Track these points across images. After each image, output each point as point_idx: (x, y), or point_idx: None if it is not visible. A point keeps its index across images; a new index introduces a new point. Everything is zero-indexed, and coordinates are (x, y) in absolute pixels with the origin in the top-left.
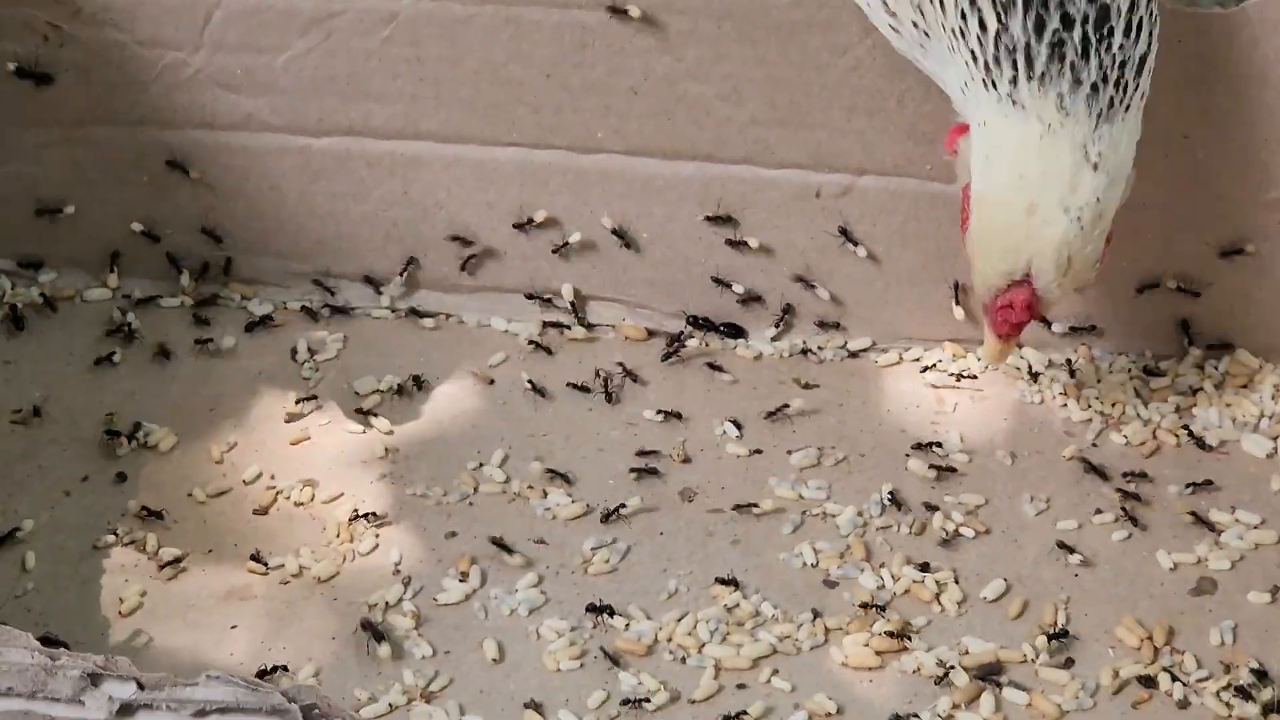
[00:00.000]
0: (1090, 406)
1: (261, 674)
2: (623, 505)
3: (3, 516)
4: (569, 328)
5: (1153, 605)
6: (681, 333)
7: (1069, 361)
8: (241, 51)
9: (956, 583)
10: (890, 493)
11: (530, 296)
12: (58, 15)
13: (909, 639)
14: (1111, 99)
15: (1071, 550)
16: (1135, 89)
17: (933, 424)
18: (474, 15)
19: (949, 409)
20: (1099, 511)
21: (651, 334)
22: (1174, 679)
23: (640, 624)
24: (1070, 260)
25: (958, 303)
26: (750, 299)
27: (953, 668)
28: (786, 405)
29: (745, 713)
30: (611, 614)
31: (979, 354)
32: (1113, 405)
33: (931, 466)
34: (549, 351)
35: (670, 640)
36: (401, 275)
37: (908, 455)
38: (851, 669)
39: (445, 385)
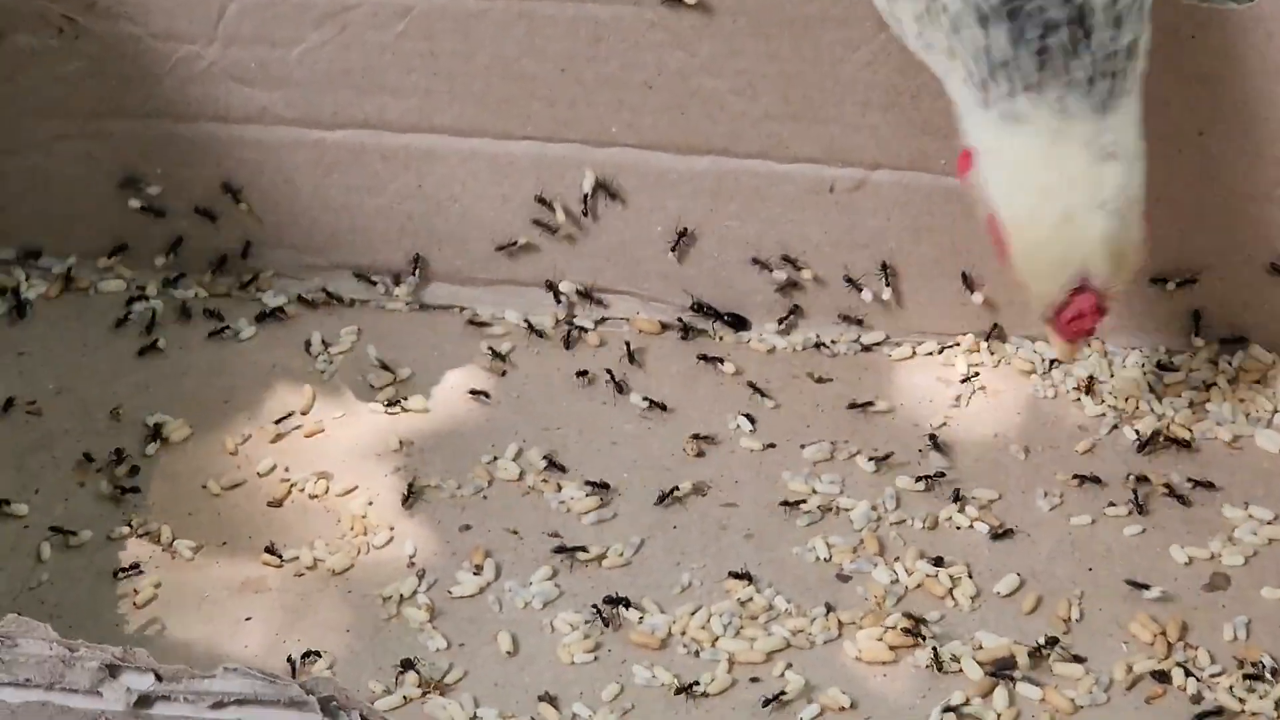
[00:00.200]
0: (1104, 402)
1: (291, 662)
2: (676, 488)
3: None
4: (583, 325)
5: (1166, 600)
6: (681, 319)
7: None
8: (256, 45)
9: (970, 577)
10: (908, 483)
11: (544, 289)
12: (72, 8)
13: (922, 634)
14: (1110, 88)
15: (1146, 587)
16: (1132, 71)
17: (946, 418)
18: (488, 9)
19: (963, 404)
20: (1111, 505)
21: (665, 327)
22: (1187, 674)
23: (654, 617)
24: (1122, 252)
25: (972, 291)
26: (789, 285)
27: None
28: (871, 403)
29: (784, 693)
30: (627, 606)
31: (991, 348)
32: (1126, 400)
33: (922, 476)
34: (565, 345)
35: (684, 634)
36: (414, 274)
37: (920, 451)
38: (865, 663)
39: (459, 377)
